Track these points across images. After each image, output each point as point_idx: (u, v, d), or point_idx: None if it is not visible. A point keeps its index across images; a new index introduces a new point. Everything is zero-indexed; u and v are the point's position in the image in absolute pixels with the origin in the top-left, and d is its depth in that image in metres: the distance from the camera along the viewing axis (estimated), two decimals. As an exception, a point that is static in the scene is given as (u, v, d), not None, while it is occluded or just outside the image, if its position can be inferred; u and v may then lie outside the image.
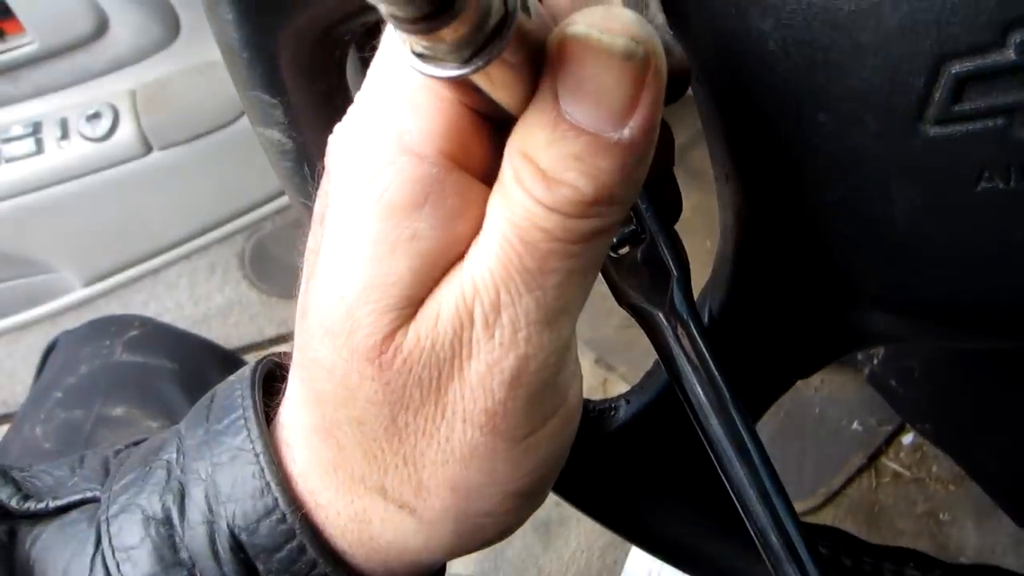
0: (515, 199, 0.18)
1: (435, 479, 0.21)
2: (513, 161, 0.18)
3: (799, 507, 1.11)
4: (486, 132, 0.20)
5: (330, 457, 0.22)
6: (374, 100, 0.20)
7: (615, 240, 0.26)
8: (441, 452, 0.21)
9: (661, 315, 0.25)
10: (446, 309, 0.19)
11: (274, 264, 1.14)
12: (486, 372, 0.19)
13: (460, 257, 0.20)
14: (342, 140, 0.21)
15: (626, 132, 0.18)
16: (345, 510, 0.23)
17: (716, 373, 0.25)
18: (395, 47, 0.19)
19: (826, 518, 1.02)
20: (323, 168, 0.22)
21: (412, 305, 0.19)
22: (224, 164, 1.02)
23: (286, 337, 1.22)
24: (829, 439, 1.07)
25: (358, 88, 0.22)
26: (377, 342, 0.19)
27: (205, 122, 0.99)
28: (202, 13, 0.28)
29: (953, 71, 0.21)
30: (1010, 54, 0.20)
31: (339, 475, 0.22)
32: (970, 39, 0.20)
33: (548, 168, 0.18)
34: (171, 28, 0.97)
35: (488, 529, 0.23)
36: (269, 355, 0.27)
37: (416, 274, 0.19)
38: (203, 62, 0.98)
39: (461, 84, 0.17)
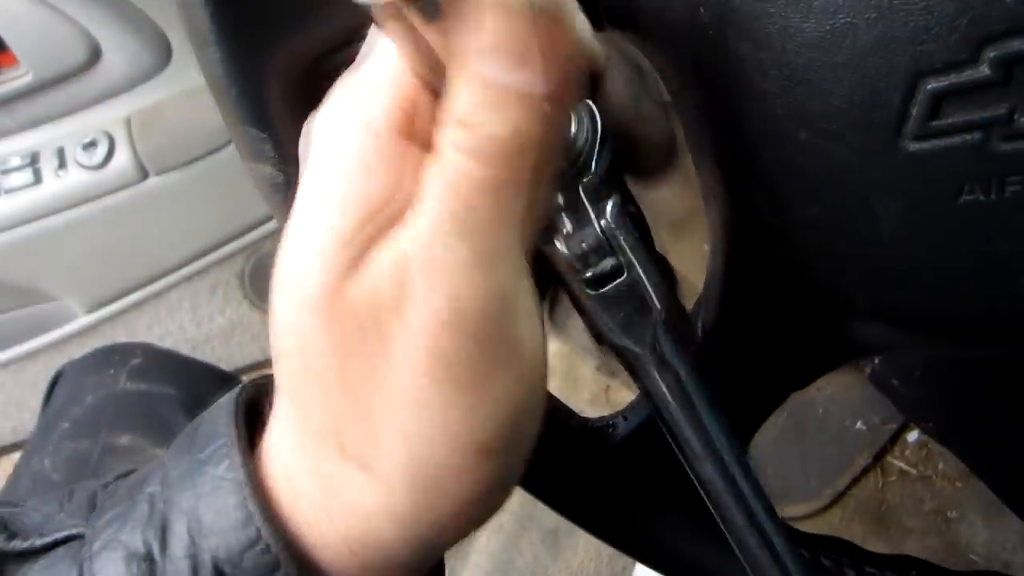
0: (441, 153, 0.20)
1: (387, 429, 0.21)
2: (440, 120, 0.20)
3: (804, 509, 1.10)
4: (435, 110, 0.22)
5: (293, 416, 0.23)
6: (343, 87, 0.23)
7: (592, 275, 0.25)
8: (391, 399, 0.21)
9: (643, 354, 0.25)
10: (387, 257, 0.21)
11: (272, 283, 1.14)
12: (424, 313, 0.20)
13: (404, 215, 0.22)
14: (315, 121, 0.23)
15: (533, 78, 0.19)
16: (314, 491, 0.23)
17: (701, 413, 0.24)
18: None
19: (833, 519, 1.02)
20: None
21: (358, 257, 0.21)
22: (220, 186, 1.02)
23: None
24: (833, 440, 1.07)
25: None
26: (323, 290, 0.21)
27: (200, 146, 1.00)
28: (193, 40, 0.29)
29: (929, 87, 0.21)
30: (984, 70, 0.20)
31: (305, 440, 0.23)
32: (945, 56, 0.21)
33: (466, 119, 0.20)
34: (163, 55, 0.98)
35: (447, 488, 0.22)
36: (253, 379, 0.27)
37: (361, 227, 0.21)
38: (195, 87, 0.98)
39: (406, 37, 0.20)
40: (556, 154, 0.21)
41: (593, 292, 0.25)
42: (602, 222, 0.24)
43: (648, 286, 0.24)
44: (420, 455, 0.22)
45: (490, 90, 0.19)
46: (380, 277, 0.21)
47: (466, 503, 0.23)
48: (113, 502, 0.25)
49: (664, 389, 0.25)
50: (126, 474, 0.28)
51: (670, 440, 0.25)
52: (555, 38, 0.19)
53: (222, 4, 0.27)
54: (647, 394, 0.25)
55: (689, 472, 0.25)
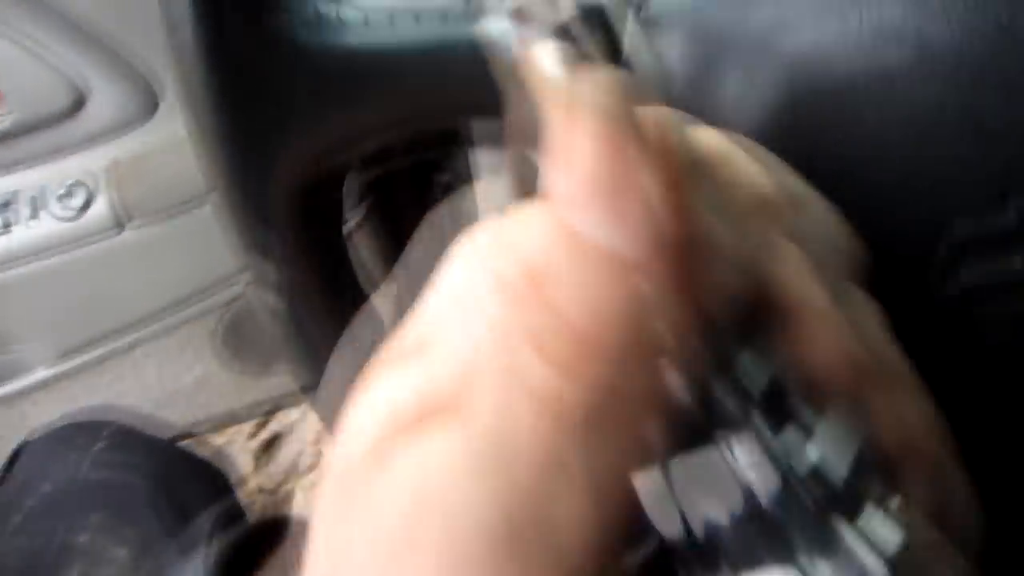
0: None
1: None
2: None
3: None
4: None
5: None
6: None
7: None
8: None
9: None
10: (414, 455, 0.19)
11: (246, 342, 1.12)
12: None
13: None
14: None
15: (619, 233, 0.13)
16: None
17: None
18: None
19: None
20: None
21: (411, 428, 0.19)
22: (195, 242, 1.00)
23: (255, 414, 1.18)
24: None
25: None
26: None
27: (177, 200, 0.98)
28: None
29: (954, 234, 0.21)
30: (1011, 217, 0.20)
31: None
32: (971, 205, 0.20)
33: None
34: (149, 106, 0.97)
35: None
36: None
37: (423, 396, 0.19)
38: (176, 140, 0.97)
39: None
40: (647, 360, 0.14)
41: None
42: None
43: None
44: None
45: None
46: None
47: None
48: None
49: None
50: None
51: None
52: (588, 126, 0.13)
53: (232, 108, 0.26)
54: None
55: None
